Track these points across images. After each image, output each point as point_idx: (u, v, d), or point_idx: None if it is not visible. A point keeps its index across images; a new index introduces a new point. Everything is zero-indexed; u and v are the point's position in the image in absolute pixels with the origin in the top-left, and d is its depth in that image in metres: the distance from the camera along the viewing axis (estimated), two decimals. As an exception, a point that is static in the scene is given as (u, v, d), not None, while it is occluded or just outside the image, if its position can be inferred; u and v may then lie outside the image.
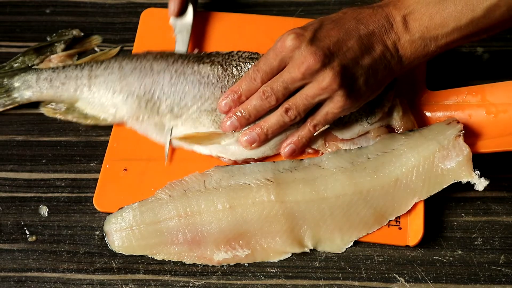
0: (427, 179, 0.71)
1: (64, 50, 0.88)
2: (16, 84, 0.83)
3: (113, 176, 0.76)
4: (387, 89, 0.75)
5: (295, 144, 0.75)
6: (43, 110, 0.83)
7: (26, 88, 0.82)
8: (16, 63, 0.86)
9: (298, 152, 0.76)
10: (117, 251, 0.72)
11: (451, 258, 0.71)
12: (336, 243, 0.71)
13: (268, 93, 0.72)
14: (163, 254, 0.71)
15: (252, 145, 0.75)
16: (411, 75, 0.80)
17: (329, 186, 0.71)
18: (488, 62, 0.85)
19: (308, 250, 0.71)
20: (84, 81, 0.81)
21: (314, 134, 0.74)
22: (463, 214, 0.74)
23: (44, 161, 0.80)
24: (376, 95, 0.73)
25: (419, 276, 0.70)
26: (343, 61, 0.69)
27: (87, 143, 0.81)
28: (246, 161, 0.76)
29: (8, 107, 0.83)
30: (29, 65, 0.85)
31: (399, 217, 0.72)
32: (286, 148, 0.75)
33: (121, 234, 0.72)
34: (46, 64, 0.86)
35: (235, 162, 0.76)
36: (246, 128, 0.76)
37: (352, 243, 0.71)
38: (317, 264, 0.71)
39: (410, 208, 0.72)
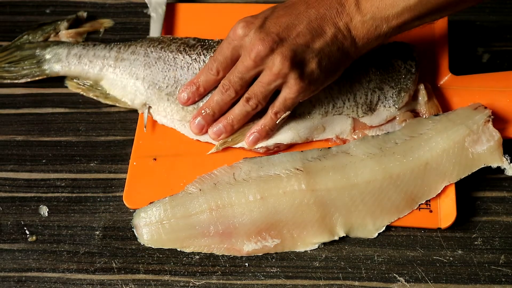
0: (457, 162, 0.72)
1: (67, 29, 0.89)
2: (48, 56, 0.84)
3: (141, 173, 0.76)
4: (409, 71, 0.76)
5: (259, 133, 0.76)
6: (67, 83, 0.84)
7: (56, 62, 0.83)
8: (19, 42, 0.87)
9: (262, 140, 0.77)
10: (146, 245, 0.72)
11: (451, 258, 0.71)
12: (368, 228, 0.72)
13: (226, 86, 0.74)
14: (193, 247, 0.72)
15: (220, 137, 0.77)
16: (434, 59, 0.82)
17: (359, 172, 0.72)
18: (488, 62, 0.85)
19: (337, 238, 0.72)
20: (111, 62, 0.81)
21: (277, 122, 0.75)
22: (463, 214, 0.74)
23: (44, 161, 0.80)
24: (336, 79, 0.74)
25: (419, 276, 0.70)
26: (292, 45, 0.70)
27: (87, 143, 0.81)
28: (277, 146, 0.77)
29: (37, 78, 0.84)
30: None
31: (429, 200, 0.73)
32: (250, 137, 0.76)
33: (151, 228, 0.72)
34: (54, 39, 0.87)
35: (267, 149, 0.77)
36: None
37: (384, 228, 0.72)
38: (317, 264, 0.71)
39: (440, 191, 0.72)
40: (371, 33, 0.71)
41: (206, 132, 0.78)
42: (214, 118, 0.77)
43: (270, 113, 0.75)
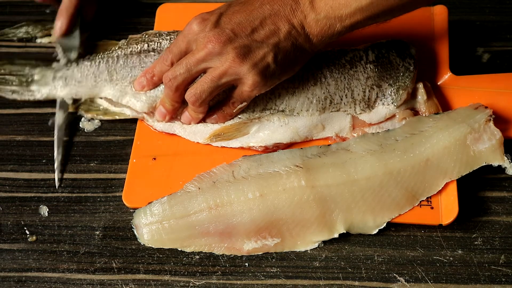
0: (459, 159, 0.72)
1: None
2: (36, 77, 0.83)
3: (141, 172, 0.76)
4: (408, 69, 0.77)
5: (218, 116, 0.78)
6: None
7: (44, 85, 0.83)
8: (19, 32, 0.87)
9: (220, 122, 0.78)
10: (147, 245, 0.72)
11: (451, 258, 0.71)
12: (369, 225, 0.72)
13: (170, 76, 0.74)
14: (193, 246, 0.72)
15: (166, 119, 0.79)
16: (434, 59, 0.82)
17: (359, 168, 0.72)
18: (488, 62, 0.85)
19: (337, 235, 0.71)
20: (105, 77, 0.81)
21: (234, 111, 0.76)
22: (463, 214, 0.74)
23: (44, 161, 0.80)
24: (294, 73, 0.75)
25: (419, 276, 0.70)
26: (246, 41, 0.71)
27: (87, 143, 0.81)
28: (276, 146, 0.77)
29: (26, 98, 0.83)
30: (33, 35, 0.87)
31: (430, 197, 0.73)
32: (211, 117, 0.78)
33: (151, 228, 0.72)
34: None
35: (266, 148, 0.77)
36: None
37: (385, 224, 0.72)
38: (317, 264, 0.71)
39: (441, 188, 0.72)
40: (324, 31, 0.71)
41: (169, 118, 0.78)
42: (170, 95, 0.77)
43: (229, 102, 0.76)
